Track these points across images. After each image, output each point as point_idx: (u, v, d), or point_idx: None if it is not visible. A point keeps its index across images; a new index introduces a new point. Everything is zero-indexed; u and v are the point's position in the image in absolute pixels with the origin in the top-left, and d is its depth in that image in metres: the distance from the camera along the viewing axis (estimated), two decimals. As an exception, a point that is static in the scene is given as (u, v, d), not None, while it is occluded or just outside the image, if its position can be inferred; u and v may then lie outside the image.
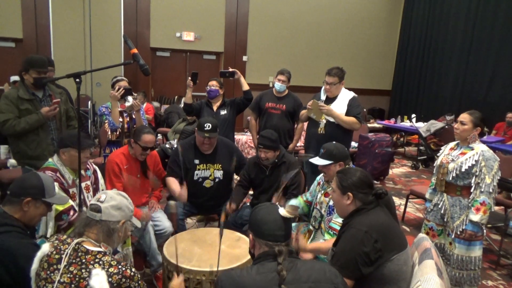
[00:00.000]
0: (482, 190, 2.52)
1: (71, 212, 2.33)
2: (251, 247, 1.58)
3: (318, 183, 2.78)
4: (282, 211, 1.52)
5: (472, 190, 2.59)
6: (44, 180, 1.92)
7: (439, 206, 2.78)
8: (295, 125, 4.23)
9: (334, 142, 2.66)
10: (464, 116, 2.68)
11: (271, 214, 1.51)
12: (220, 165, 3.20)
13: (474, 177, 2.57)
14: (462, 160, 2.62)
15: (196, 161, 3.15)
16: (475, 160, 2.56)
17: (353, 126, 3.52)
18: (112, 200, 1.65)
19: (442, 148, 2.94)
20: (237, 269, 1.47)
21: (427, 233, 2.87)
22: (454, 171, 2.64)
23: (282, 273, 1.36)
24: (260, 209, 1.56)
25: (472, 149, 2.64)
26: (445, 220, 2.74)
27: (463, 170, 2.60)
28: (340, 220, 2.36)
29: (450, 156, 2.73)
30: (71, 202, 2.36)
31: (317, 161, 2.55)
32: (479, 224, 2.54)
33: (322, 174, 2.73)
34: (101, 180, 2.77)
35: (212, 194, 3.20)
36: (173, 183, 3.07)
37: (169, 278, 2.19)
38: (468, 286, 2.69)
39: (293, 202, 2.82)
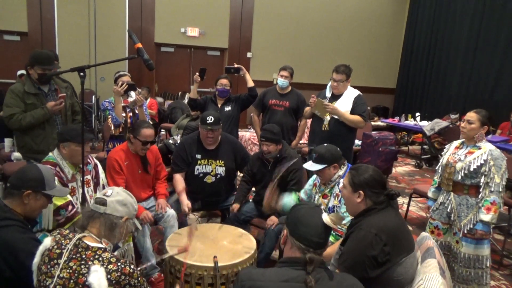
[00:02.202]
0: (492, 189, 2.51)
1: (69, 208, 2.32)
2: (282, 242, 1.51)
3: (314, 184, 2.75)
4: (326, 218, 1.42)
5: (481, 190, 2.56)
6: (44, 172, 1.91)
7: (445, 205, 2.75)
8: (299, 122, 4.22)
9: (325, 144, 2.60)
10: (471, 115, 2.64)
11: (314, 218, 1.42)
12: (222, 162, 3.19)
13: (483, 177, 2.54)
14: (470, 160, 2.59)
15: (198, 156, 3.15)
16: (484, 160, 2.53)
17: (358, 124, 3.50)
18: (118, 196, 1.67)
19: (447, 146, 2.90)
20: (259, 270, 1.38)
21: (432, 232, 2.85)
22: (462, 170, 2.60)
23: (310, 285, 1.26)
24: (303, 208, 1.47)
25: (479, 148, 2.61)
26: (451, 218, 2.72)
27: (471, 169, 2.57)
28: (343, 222, 2.35)
29: (456, 155, 2.70)
30: (69, 198, 2.35)
31: (311, 166, 2.51)
32: (489, 223, 2.53)
33: (316, 176, 2.71)
34: (101, 175, 2.76)
35: (213, 190, 3.20)
36: (181, 189, 3.06)
37: (171, 273, 2.19)
38: (477, 285, 2.65)
39: (288, 197, 2.74)
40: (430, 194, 2.98)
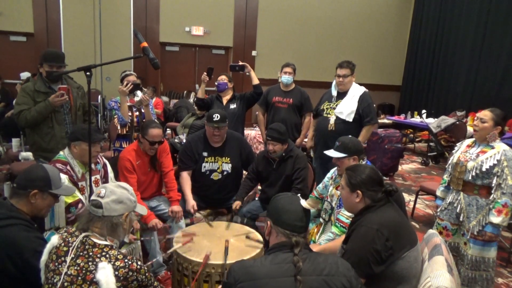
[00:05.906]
0: (504, 191, 2.41)
1: (80, 205, 2.35)
2: (266, 234, 1.57)
3: (331, 177, 2.76)
4: (304, 203, 1.52)
5: (493, 191, 2.47)
6: (50, 171, 1.92)
7: (455, 205, 2.66)
8: (302, 119, 4.21)
9: (350, 136, 2.62)
10: (485, 113, 2.53)
11: (293, 204, 1.52)
12: (228, 158, 3.21)
13: (495, 178, 2.44)
14: (483, 159, 2.49)
15: (205, 154, 3.18)
16: (497, 160, 2.43)
17: (371, 132, 3.64)
18: (112, 195, 1.61)
19: (458, 144, 2.81)
20: (250, 259, 1.47)
21: (440, 233, 2.74)
22: (474, 170, 2.51)
23: (299, 264, 1.36)
24: (282, 198, 1.56)
25: (493, 147, 2.50)
26: (460, 219, 2.63)
27: (483, 169, 2.47)
28: (348, 213, 2.34)
29: (468, 154, 2.61)
30: (79, 195, 2.38)
31: (331, 153, 2.53)
32: (499, 225, 2.46)
33: (335, 169, 2.70)
34: (110, 174, 2.78)
35: (219, 186, 3.22)
36: (187, 188, 3.08)
37: (178, 270, 2.20)
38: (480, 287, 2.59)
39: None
40: (438, 193, 2.90)
